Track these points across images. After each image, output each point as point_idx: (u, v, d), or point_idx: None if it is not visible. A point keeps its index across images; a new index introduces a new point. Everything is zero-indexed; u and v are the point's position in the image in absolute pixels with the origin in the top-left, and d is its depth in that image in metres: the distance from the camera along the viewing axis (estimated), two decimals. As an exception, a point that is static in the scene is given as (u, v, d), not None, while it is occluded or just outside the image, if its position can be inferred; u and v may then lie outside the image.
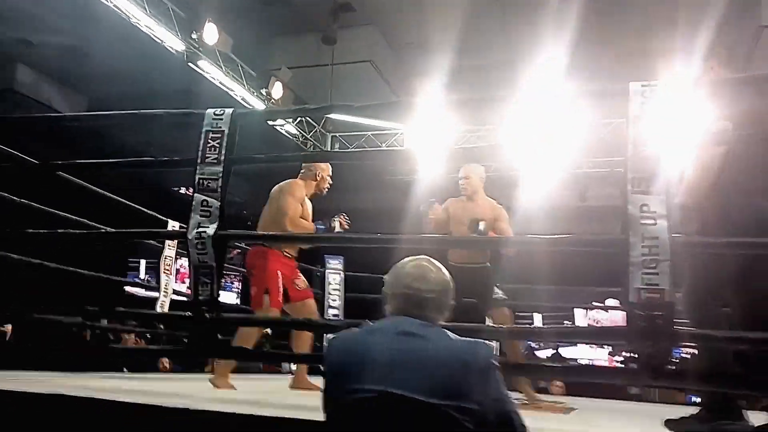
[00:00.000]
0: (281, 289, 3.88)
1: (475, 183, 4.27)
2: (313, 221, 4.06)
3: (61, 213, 4.22)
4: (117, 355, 5.21)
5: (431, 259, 1.74)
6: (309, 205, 4.12)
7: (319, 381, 1.63)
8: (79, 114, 5.83)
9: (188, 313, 2.55)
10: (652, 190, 2.03)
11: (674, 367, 2.05)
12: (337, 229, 4.09)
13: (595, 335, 2.20)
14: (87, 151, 8.06)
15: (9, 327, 6.01)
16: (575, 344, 11.39)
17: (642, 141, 2.06)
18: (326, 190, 4.19)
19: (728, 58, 2.85)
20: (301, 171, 4.14)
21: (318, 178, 4.10)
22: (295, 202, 3.94)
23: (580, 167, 10.55)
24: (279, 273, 3.89)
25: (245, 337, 3.68)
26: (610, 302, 10.27)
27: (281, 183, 4.02)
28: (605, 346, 11.20)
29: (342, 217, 4.12)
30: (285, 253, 3.99)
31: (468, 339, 1.58)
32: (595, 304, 10.73)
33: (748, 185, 2.40)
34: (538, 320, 11.11)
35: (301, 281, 4.13)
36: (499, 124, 8.50)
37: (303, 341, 4.05)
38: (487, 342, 1.59)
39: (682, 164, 2.50)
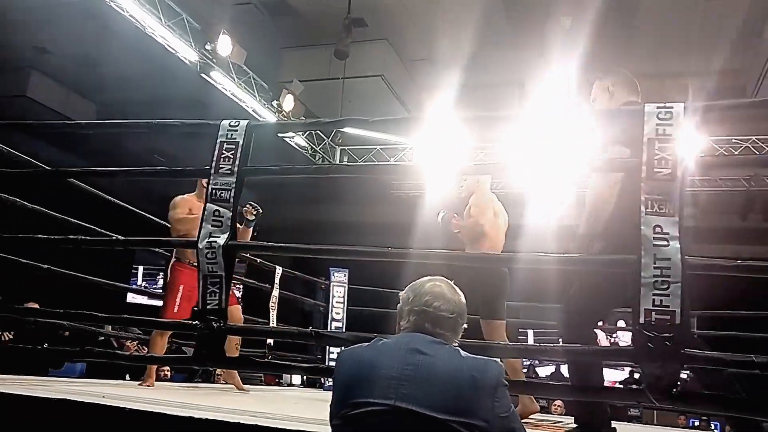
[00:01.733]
0: (177, 300, 4.16)
1: (469, 184, 4.14)
2: None
3: (71, 219, 4.25)
4: (128, 362, 5.21)
5: (448, 281, 1.76)
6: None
7: (311, 393, 1.63)
8: (94, 122, 5.86)
9: (196, 322, 2.55)
10: (666, 212, 2.03)
11: (680, 390, 2.04)
12: (249, 218, 4.37)
13: (602, 355, 2.19)
14: (94, 159, 8.13)
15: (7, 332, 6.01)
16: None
17: (656, 162, 2.06)
18: None
19: (626, 79, 2.77)
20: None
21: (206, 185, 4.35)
22: (179, 213, 4.31)
23: (586, 187, 10.52)
24: (181, 287, 4.16)
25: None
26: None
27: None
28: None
29: (249, 206, 4.38)
30: (191, 264, 4.08)
31: (478, 357, 1.59)
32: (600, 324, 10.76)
33: None
34: (530, 337, 11.19)
35: None
36: (507, 142, 8.51)
37: (229, 345, 4.19)
38: (496, 360, 1.59)
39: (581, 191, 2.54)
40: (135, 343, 6.65)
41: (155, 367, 4.33)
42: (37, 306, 5.14)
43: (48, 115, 9.48)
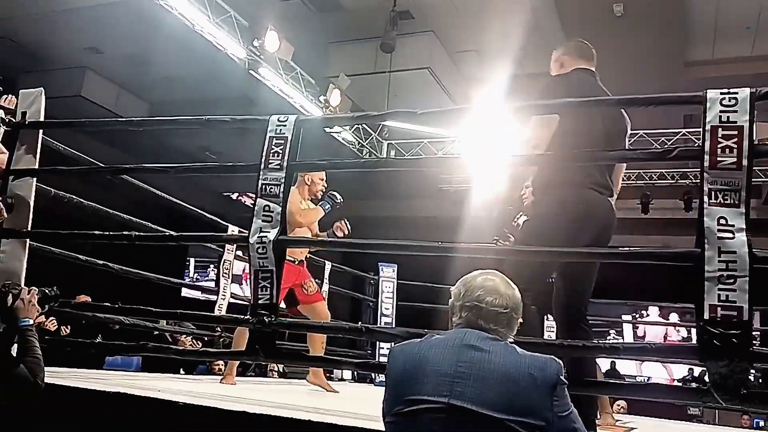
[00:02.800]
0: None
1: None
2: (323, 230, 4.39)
3: (123, 215, 4.33)
4: (182, 357, 5.29)
5: (502, 275, 1.70)
6: (311, 206, 4.36)
7: (362, 387, 1.61)
8: (146, 119, 5.98)
9: (248, 317, 2.56)
10: (731, 202, 1.94)
11: (748, 390, 1.95)
12: (339, 235, 4.34)
13: (665, 352, 2.10)
14: (147, 156, 8.29)
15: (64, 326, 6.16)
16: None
17: (720, 151, 1.97)
18: (321, 192, 4.36)
19: (576, 47, 2.81)
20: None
21: (309, 183, 4.31)
22: (293, 200, 4.09)
23: (641, 177, 10.30)
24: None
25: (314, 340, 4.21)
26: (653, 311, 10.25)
27: None
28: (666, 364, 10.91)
29: (342, 223, 4.35)
30: (287, 258, 4.05)
31: (537, 354, 1.54)
32: (646, 318, 10.55)
33: (579, 178, 2.52)
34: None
35: (311, 285, 4.38)
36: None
37: (315, 343, 4.31)
38: (554, 358, 1.54)
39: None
40: (189, 338, 6.77)
41: (235, 364, 4.28)
42: (89, 299, 5.27)
43: (102, 114, 9.73)
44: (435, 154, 10.50)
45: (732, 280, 1.91)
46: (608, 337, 10.69)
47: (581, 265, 2.56)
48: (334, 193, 4.30)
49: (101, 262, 4.09)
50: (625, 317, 10.51)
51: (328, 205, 4.24)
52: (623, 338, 11.10)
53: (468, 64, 9.76)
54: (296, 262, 4.26)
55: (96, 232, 3.10)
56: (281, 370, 7.92)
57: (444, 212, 11.22)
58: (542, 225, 2.56)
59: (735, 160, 1.96)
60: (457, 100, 9.73)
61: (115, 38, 8.88)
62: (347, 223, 4.38)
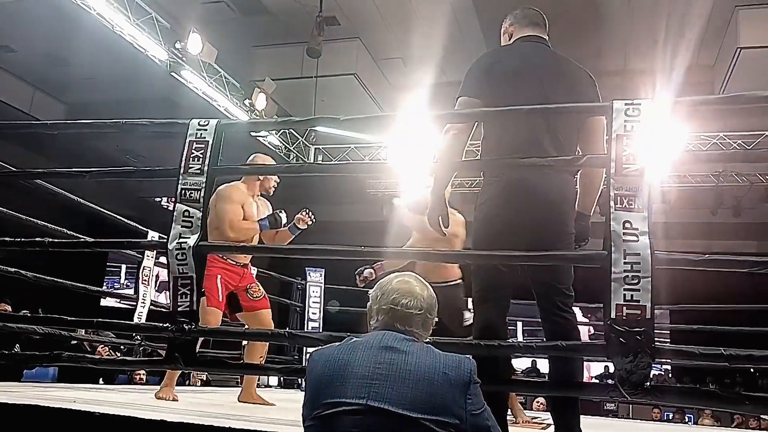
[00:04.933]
0: (220, 291, 3.83)
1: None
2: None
3: (38, 222, 4.16)
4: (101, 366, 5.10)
5: (417, 276, 1.74)
6: (255, 204, 4.10)
7: (288, 393, 1.62)
8: (62, 122, 5.76)
9: (167, 324, 2.51)
10: (635, 207, 2.05)
11: (652, 383, 2.06)
12: (301, 227, 4.08)
13: (572, 350, 2.19)
14: (64, 159, 8.00)
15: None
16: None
17: (625, 158, 2.08)
18: (273, 189, 4.15)
19: (523, 15, 2.66)
20: None
21: (261, 178, 4.08)
22: (233, 206, 3.91)
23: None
24: (219, 277, 3.83)
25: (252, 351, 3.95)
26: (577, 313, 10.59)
27: (218, 189, 3.87)
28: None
29: (304, 214, 4.08)
30: (229, 260, 3.92)
31: (451, 354, 1.59)
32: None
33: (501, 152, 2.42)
34: (519, 328, 11.23)
35: (256, 290, 4.07)
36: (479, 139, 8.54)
37: (253, 352, 4.00)
38: (469, 357, 1.59)
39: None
40: (107, 348, 6.57)
41: (175, 375, 3.78)
42: (8, 308, 5.03)
43: (15, 115, 9.30)
44: (362, 159, 10.55)
45: (636, 281, 2.01)
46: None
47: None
48: (282, 212, 4.03)
49: (13, 269, 3.92)
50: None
51: (266, 223, 3.95)
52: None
53: (394, 71, 9.86)
54: (239, 265, 4.00)
55: (6, 239, 2.98)
56: (205, 378, 7.79)
57: (373, 217, 11.28)
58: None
59: (638, 167, 2.08)
60: (384, 106, 9.81)
61: (29, 36, 8.52)
62: (310, 213, 4.09)
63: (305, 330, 6.33)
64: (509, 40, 2.67)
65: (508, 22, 2.70)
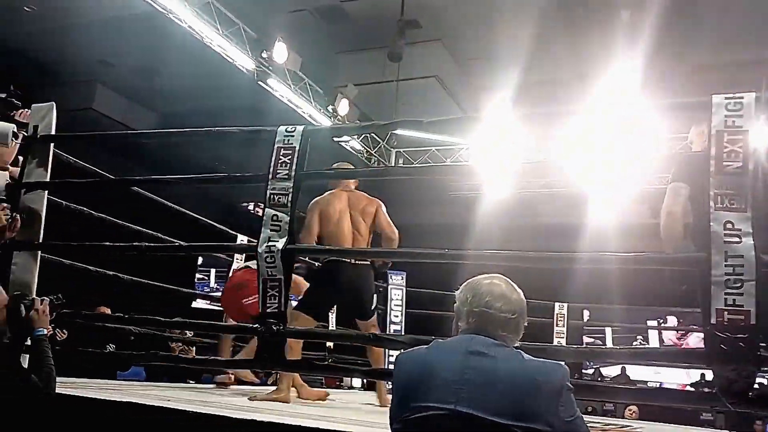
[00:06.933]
0: None
1: None
2: None
3: (134, 226, 4.37)
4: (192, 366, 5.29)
5: (507, 278, 1.70)
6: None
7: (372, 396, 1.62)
8: (155, 131, 6.03)
9: (257, 326, 2.58)
10: (737, 207, 1.94)
11: (756, 393, 1.94)
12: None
13: (671, 357, 2.09)
14: (158, 168, 8.36)
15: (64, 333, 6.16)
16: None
17: (726, 156, 1.97)
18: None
19: None
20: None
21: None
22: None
23: (651, 183, 10.25)
24: None
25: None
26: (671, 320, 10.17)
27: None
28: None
29: None
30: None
31: (542, 360, 1.55)
32: (667, 324, 10.49)
33: None
34: (608, 335, 10.89)
35: None
36: (566, 140, 8.35)
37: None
38: (561, 363, 1.54)
39: None
40: (180, 344, 6.72)
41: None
42: (108, 311, 5.28)
43: (113, 127, 9.80)
44: (443, 161, 10.51)
45: (739, 284, 1.91)
46: (634, 343, 10.68)
47: None
48: None
49: (111, 272, 4.13)
50: (650, 323, 10.53)
51: None
52: (648, 343, 11.03)
53: (477, 72, 9.75)
54: None
55: (106, 243, 3.14)
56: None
57: (454, 219, 11.21)
58: None
59: (741, 164, 1.96)
60: (466, 107, 9.74)
61: (125, 51, 8.96)
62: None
63: (388, 332, 6.35)
64: (705, 141, 2.59)
65: (706, 125, 2.57)
